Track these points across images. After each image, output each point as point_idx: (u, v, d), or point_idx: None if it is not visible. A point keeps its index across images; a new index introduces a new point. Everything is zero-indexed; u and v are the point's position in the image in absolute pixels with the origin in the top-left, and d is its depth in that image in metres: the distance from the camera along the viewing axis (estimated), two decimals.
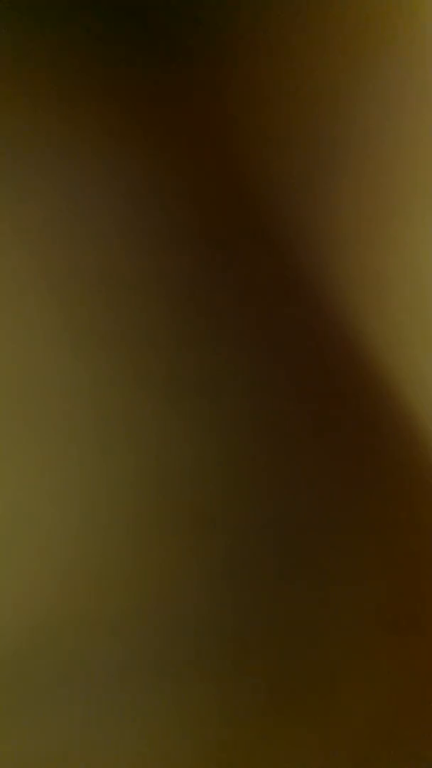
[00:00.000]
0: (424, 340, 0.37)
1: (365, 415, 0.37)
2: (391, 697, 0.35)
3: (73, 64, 0.36)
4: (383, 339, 0.37)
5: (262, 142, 0.37)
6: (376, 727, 0.35)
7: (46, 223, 0.36)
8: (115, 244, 0.36)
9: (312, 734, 0.34)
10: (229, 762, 0.34)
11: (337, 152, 0.38)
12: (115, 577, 0.34)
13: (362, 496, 0.36)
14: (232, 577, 0.35)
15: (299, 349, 0.37)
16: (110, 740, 0.34)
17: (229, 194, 0.37)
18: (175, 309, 0.36)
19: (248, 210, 0.37)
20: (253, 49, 0.38)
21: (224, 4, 0.37)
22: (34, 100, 0.36)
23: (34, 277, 0.35)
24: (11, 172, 0.36)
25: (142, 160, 0.37)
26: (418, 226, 0.38)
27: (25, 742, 0.33)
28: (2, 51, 0.36)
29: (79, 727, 0.33)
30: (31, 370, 0.35)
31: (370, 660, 0.35)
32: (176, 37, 0.37)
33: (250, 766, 0.34)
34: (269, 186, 0.37)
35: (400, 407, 0.37)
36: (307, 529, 0.35)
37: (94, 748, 0.34)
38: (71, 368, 0.35)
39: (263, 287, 0.37)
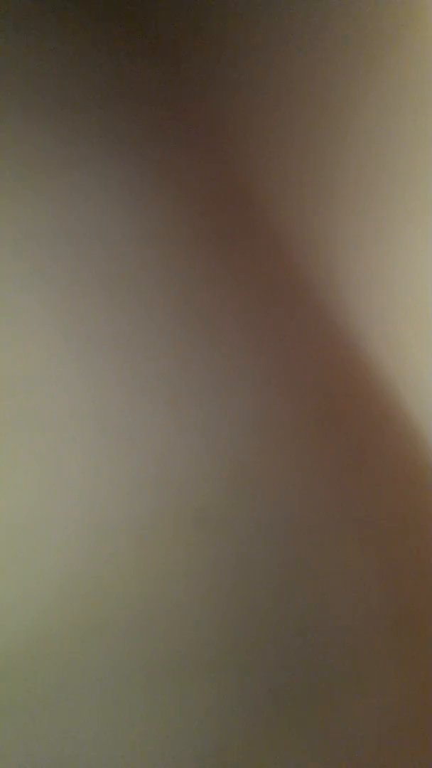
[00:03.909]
0: (422, 341, 0.37)
1: (365, 416, 0.37)
2: (393, 699, 0.35)
3: (73, 67, 0.36)
4: (382, 340, 0.37)
5: (263, 144, 0.37)
6: (378, 729, 0.35)
7: (45, 226, 0.36)
8: (115, 247, 0.36)
9: (312, 734, 0.35)
10: (229, 764, 0.34)
11: (337, 153, 0.38)
12: (116, 579, 0.34)
13: (362, 497, 0.36)
14: (233, 578, 0.35)
15: (299, 351, 0.37)
16: (110, 741, 0.34)
17: (229, 196, 0.37)
18: (175, 311, 0.36)
19: (248, 211, 0.37)
20: (254, 52, 0.38)
21: (225, 8, 0.37)
22: (35, 104, 0.36)
23: (33, 280, 0.35)
24: (11, 176, 0.36)
25: (142, 163, 0.37)
26: (418, 227, 0.38)
27: (25, 742, 0.33)
28: (3, 55, 0.36)
29: (79, 728, 0.33)
30: (31, 373, 0.35)
31: (372, 661, 0.35)
32: (176, 40, 0.37)
33: (250, 767, 0.34)
34: (269, 187, 0.37)
35: (399, 408, 0.37)
36: (307, 530, 0.35)
37: (94, 749, 0.33)
38: (71, 372, 0.35)
39: (263, 289, 0.37)
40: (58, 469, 0.34)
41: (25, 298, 0.35)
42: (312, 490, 0.36)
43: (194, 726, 0.34)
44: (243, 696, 0.34)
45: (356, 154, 0.38)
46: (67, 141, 0.36)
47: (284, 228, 0.37)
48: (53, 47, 0.36)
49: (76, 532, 0.34)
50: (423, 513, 0.36)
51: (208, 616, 0.34)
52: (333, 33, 0.38)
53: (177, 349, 0.36)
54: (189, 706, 0.34)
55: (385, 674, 0.35)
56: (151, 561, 0.34)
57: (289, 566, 0.35)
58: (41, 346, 0.35)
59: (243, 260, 0.37)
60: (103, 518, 0.34)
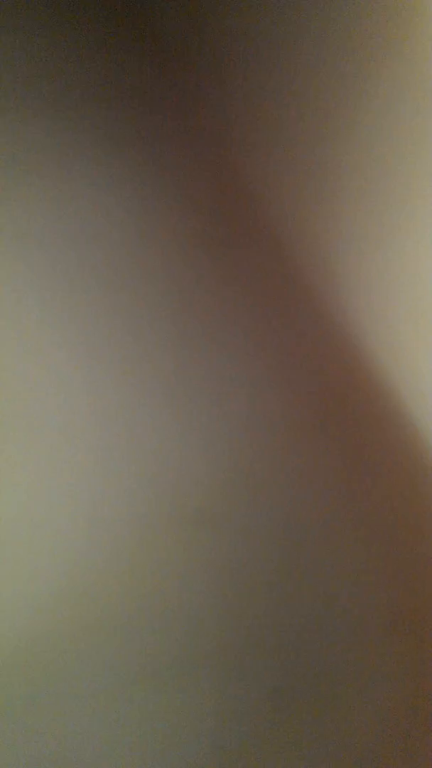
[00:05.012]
0: (422, 341, 0.37)
1: (364, 416, 0.37)
2: (393, 699, 0.35)
3: (74, 69, 0.37)
4: (382, 340, 0.37)
5: (264, 148, 0.37)
6: (378, 729, 0.35)
7: (45, 228, 0.36)
8: (115, 248, 0.36)
9: (313, 733, 0.34)
10: (229, 763, 0.34)
11: (338, 157, 0.38)
12: (115, 578, 0.34)
13: (362, 496, 0.36)
14: (233, 577, 0.35)
15: (299, 353, 0.37)
16: (109, 739, 0.34)
17: (229, 197, 0.37)
18: (174, 314, 0.36)
19: (248, 212, 0.37)
20: (254, 54, 0.38)
21: (227, 11, 0.37)
22: (36, 106, 0.36)
23: (34, 281, 0.35)
24: (12, 177, 0.36)
25: (142, 164, 0.37)
26: (418, 228, 0.38)
27: (24, 741, 0.33)
28: (3, 55, 0.36)
29: (77, 726, 0.33)
30: (30, 374, 0.35)
31: (372, 661, 0.35)
32: (177, 42, 0.37)
33: (250, 767, 0.34)
34: (270, 190, 0.37)
35: (399, 408, 0.37)
36: (308, 529, 0.35)
37: (92, 747, 0.34)
38: (70, 373, 0.35)
39: (263, 292, 0.37)
40: (57, 469, 0.34)
41: (24, 300, 0.35)
42: (311, 491, 0.36)
43: (194, 724, 0.34)
44: (243, 696, 0.34)
45: (357, 159, 0.38)
46: (67, 143, 0.36)
47: (284, 231, 0.37)
48: (54, 49, 0.36)
49: (76, 531, 0.34)
50: (423, 512, 0.36)
51: (207, 615, 0.34)
52: (334, 37, 0.38)
53: (176, 352, 0.36)
54: (189, 705, 0.34)
55: (386, 674, 0.35)
56: (151, 560, 0.34)
57: (288, 566, 0.35)
58: (41, 348, 0.35)
59: (243, 263, 0.37)
60: (103, 518, 0.34)
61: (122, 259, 0.36)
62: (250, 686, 0.34)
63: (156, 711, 0.34)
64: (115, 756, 0.34)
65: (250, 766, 0.34)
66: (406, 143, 0.38)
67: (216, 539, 0.35)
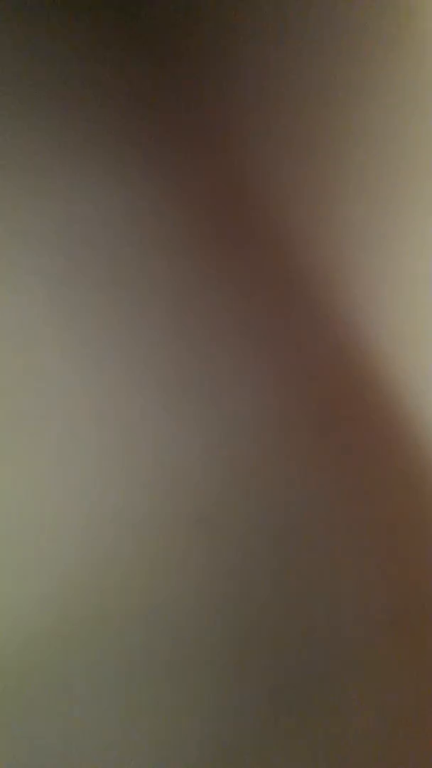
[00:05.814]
0: (423, 341, 0.37)
1: (365, 417, 0.37)
2: (393, 700, 0.35)
3: (73, 67, 0.37)
4: (383, 340, 0.37)
5: (264, 146, 0.37)
6: (378, 730, 0.35)
7: (44, 227, 0.36)
8: (114, 247, 0.36)
9: (313, 735, 0.35)
10: (229, 763, 0.34)
11: (337, 153, 0.38)
12: (115, 578, 0.34)
13: (362, 497, 0.36)
14: (231, 578, 0.35)
15: (299, 352, 0.37)
16: (109, 740, 0.34)
17: (228, 196, 0.37)
18: (174, 313, 0.36)
19: (248, 211, 0.37)
20: (254, 52, 0.38)
21: (226, 6, 0.37)
22: (34, 103, 0.36)
23: (32, 281, 0.35)
24: (11, 176, 0.36)
25: (142, 165, 0.37)
26: (418, 228, 0.38)
27: (23, 738, 0.33)
28: (2, 53, 0.36)
29: (79, 728, 0.34)
30: (29, 374, 0.35)
31: (372, 662, 0.35)
32: (176, 39, 0.37)
33: (250, 767, 0.34)
34: (269, 187, 0.37)
35: (399, 408, 0.37)
36: (307, 530, 0.35)
37: (93, 747, 0.34)
38: (70, 373, 0.35)
39: (263, 289, 0.37)
40: (57, 468, 0.34)
41: (23, 299, 0.35)
42: (312, 491, 0.36)
43: (194, 724, 0.34)
44: (243, 696, 0.34)
45: (359, 156, 0.38)
46: (66, 142, 0.36)
47: (285, 231, 0.37)
48: (53, 49, 0.36)
49: (76, 531, 0.34)
50: (423, 513, 0.36)
51: (207, 615, 0.34)
52: (334, 34, 0.38)
53: (176, 351, 0.36)
54: (188, 705, 0.34)
55: (386, 675, 0.35)
56: (150, 560, 0.34)
57: (288, 566, 0.35)
58: (39, 347, 0.35)
59: (243, 262, 0.37)
60: (103, 517, 0.34)
61: (121, 259, 0.36)
62: (249, 686, 0.34)
63: (155, 711, 0.34)
64: (114, 755, 0.34)
65: (250, 766, 0.34)
66: (408, 142, 0.38)
67: (215, 540, 0.35)
